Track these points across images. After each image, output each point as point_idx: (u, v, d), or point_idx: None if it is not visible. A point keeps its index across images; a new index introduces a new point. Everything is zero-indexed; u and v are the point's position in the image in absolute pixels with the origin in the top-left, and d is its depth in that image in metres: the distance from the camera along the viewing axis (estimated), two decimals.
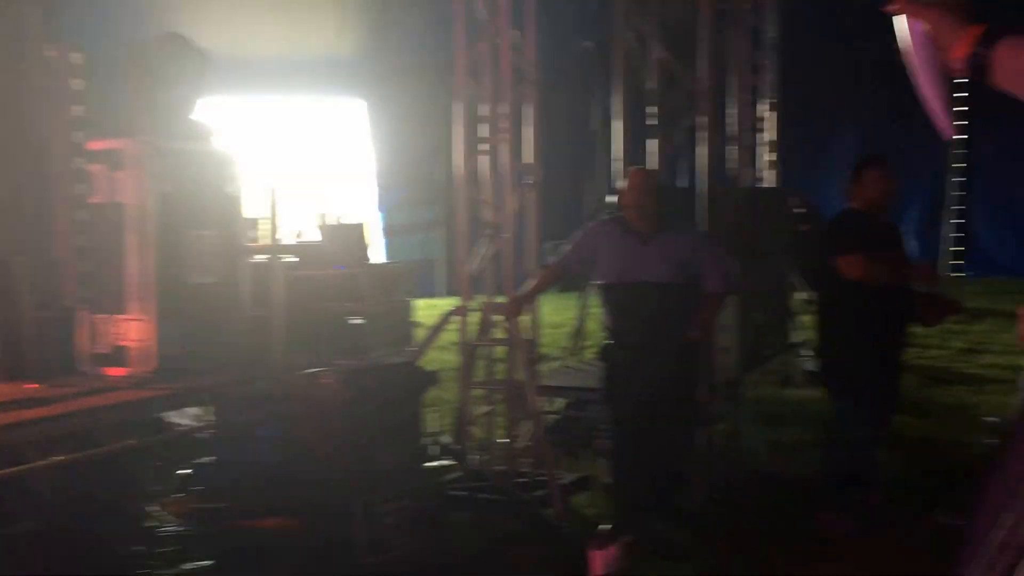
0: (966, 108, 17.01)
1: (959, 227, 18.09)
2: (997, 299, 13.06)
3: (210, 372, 4.44)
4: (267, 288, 4.68)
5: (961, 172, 18.11)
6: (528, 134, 5.90)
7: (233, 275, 4.62)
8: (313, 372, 4.61)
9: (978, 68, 1.37)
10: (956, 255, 15.15)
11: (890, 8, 1.46)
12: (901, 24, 1.48)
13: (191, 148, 4.59)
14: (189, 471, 5.00)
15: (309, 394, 4.44)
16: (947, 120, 1.53)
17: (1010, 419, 7.29)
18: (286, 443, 5.17)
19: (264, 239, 4.85)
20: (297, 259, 5.13)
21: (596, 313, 6.11)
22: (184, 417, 5.10)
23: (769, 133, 9.87)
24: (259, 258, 4.75)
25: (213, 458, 5.05)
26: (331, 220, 5.60)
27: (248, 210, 4.85)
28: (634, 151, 6.56)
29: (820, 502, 5.26)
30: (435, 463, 6.12)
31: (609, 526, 4.80)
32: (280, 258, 4.77)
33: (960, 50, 1.38)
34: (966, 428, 7.24)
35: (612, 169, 6.61)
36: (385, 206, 14.70)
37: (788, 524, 5.37)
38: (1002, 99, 1.43)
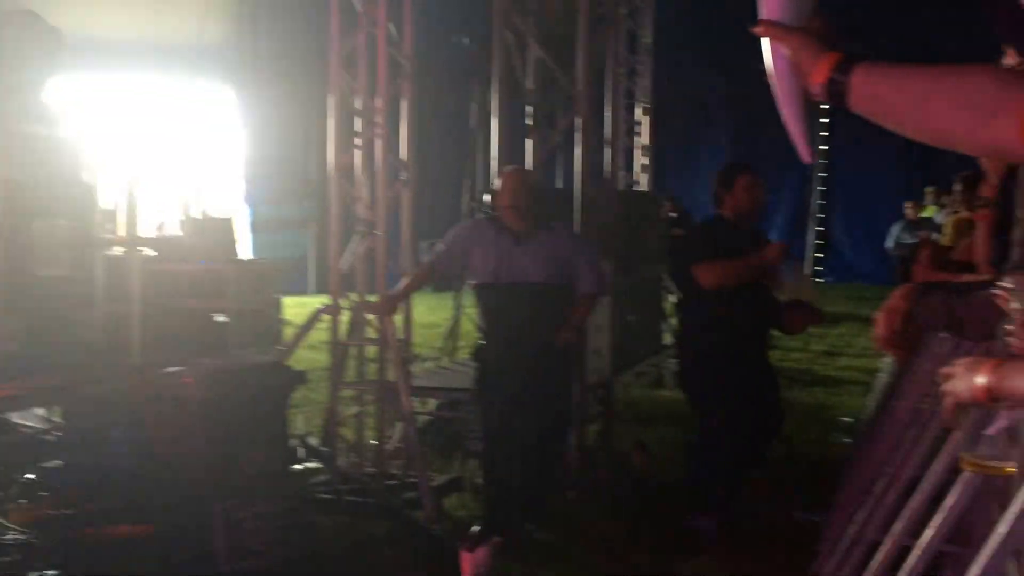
0: (828, 120, 17.73)
1: (820, 235, 18.79)
2: (855, 304, 13.61)
3: (58, 370, 4.17)
4: (123, 283, 4.43)
5: (823, 182, 18.82)
6: (404, 130, 5.78)
7: (86, 268, 4.37)
8: (173, 371, 4.40)
9: (836, 94, 1.42)
10: (817, 261, 15.71)
11: (755, 30, 1.49)
12: (766, 47, 1.51)
13: (41, 132, 4.32)
14: (34, 476, 4.70)
15: (168, 394, 4.22)
16: (806, 145, 1.58)
17: (864, 420, 7.58)
18: (142, 446, 4.92)
19: (122, 231, 4.60)
20: (156, 253, 4.89)
21: (470, 313, 6.04)
22: (29, 418, 4.80)
23: (644, 137, 9.99)
24: (116, 251, 4.50)
25: (60, 462, 4.76)
26: (195, 213, 5.36)
27: (105, 200, 4.60)
28: (511, 151, 6.52)
29: (687, 503, 5.27)
30: (302, 466, 5.96)
31: (480, 527, 4.74)
32: (138, 251, 4.53)
33: (819, 76, 1.43)
34: (824, 428, 7.46)
35: (489, 168, 6.55)
36: (253, 200, 14.28)
37: (657, 524, 5.41)
38: (860, 117, 1.47)
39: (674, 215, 13.50)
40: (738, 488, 5.34)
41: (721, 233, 5.17)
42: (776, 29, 1.47)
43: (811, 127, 1.57)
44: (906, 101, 1.39)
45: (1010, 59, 2.56)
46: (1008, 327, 1.83)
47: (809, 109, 1.54)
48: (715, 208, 5.28)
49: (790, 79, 1.50)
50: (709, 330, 5.09)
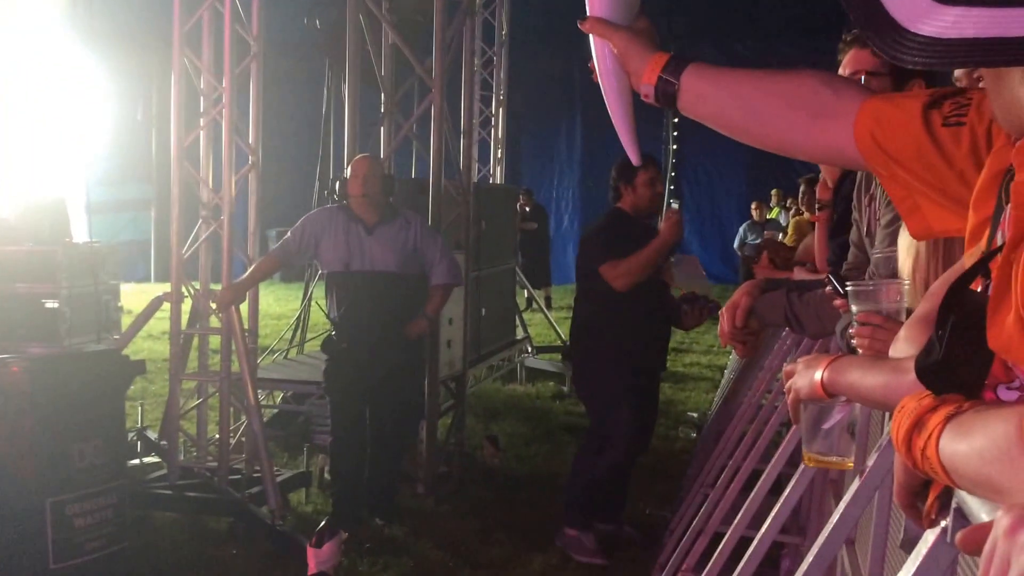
0: (676, 121, 18.24)
1: None
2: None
3: None
4: None
5: (672, 182, 19.32)
6: (252, 112, 5.60)
7: None
8: None
9: (666, 94, 1.40)
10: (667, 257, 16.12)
11: (583, 26, 1.47)
12: (593, 45, 1.49)
13: None
14: None
15: None
16: (634, 147, 1.56)
17: (709, 415, 7.81)
18: None
19: None
20: None
21: (320, 304, 5.91)
22: None
23: (499, 129, 10.02)
24: None
25: None
26: (25, 192, 5.06)
27: None
28: (364, 138, 6.42)
29: (565, 516, 5.00)
30: (139, 460, 5.72)
31: (326, 522, 4.65)
32: None
33: (648, 76, 1.41)
34: (671, 423, 7.66)
35: (342, 156, 6.43)
36: (90, 180, 13.63)
37: (505, 518, 5.44)
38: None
39: (527, 208, 13.65)
40: (624, 492, 5.20)
41: (623, 229, 4.95)
42: (603, 27, 1.45)
43: (634, 130, 1.56)
44: (738, 102, 1.39)
45: (847, 69, 2.66)
46: (849, 327, 1.89)
47: (633, 111, 1.53)
48: (612, 202, 5.07)
49: (618, 78, 1.47)
50: (610, 329, 4.87)
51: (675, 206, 5.15)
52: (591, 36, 1.48)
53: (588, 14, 1.47)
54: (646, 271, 4.81)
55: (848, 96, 1.29)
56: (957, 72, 1.57)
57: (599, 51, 1.48)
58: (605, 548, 4.92)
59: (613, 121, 1.53)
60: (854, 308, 1.80)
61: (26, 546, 3.98)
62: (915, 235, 1.26)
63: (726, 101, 1.40)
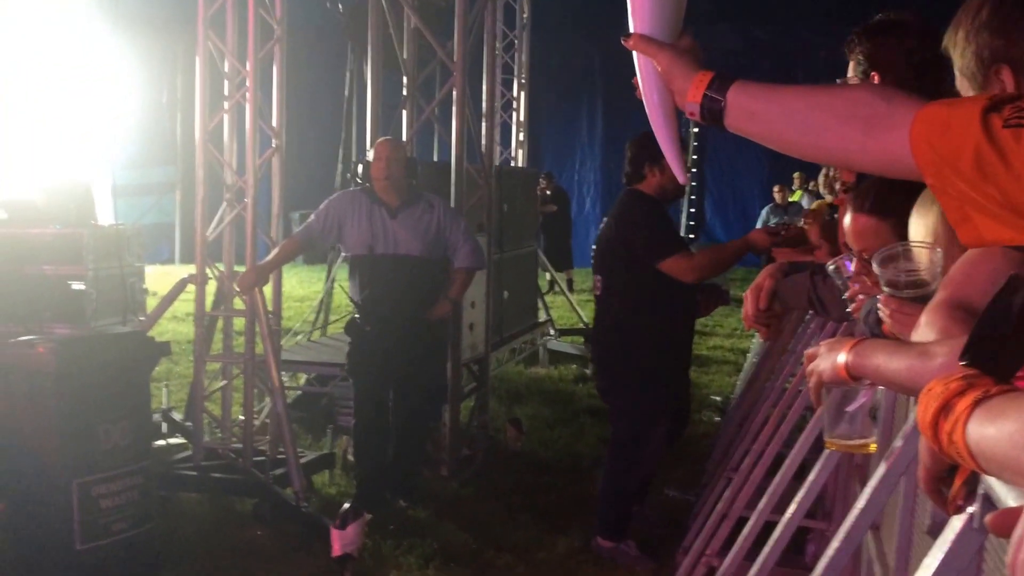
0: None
1: (692, 216, 19.20)
2: (726, 285, 13.91)
3: None
4: None
5: (695, 164, 19.21)
6: (275, 96, 5.61)
7: None
8: (26, 340, 4.17)
9: (712, 112, 1.40)
10: (689, 243, 16.04)
11: (626, 43, 1.48)
12: (637, 62, 1.50)
13: None
14: None
15: (20, 365, 4.00)
16: (680, 164, 1.58)
17: (732, 399, 7.75)
18: None
19: None
20: (7, 215, 4.64)
21: (343, 286, 5.93)
22: None
23: (520, 112, 9.99)
24: None
25: None
26: (51, 176, 5.10)
27: None
28: (386, 122, 6.41)
29: (601, 525, 4.75)
30: (165, 441, 5.76)
31: (350, 504, 4.67)
32: None
33: (694, 94, 1.41)
34: (695, 407, 7.63)
35: (365, 139, 6.42)
36: (114, 164, 13.71)
37: (528, 501, 5.45)
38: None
39: (547, 192, 13.61)
40: (648, 486, 5.00)
41: (664, 218, 4.63)
42: (647, 44, 1.45)
43: (680, 148, 1.57)
44: (788, 118, 1.38)
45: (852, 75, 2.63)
46: (878, 310, 1.88)
47: (678, 128, 1.53)
48: (628, 183, 4.64)
49: (661, 96, 1.48)
50: (646, 335, 4.51)
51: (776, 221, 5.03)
52: (635, 53, 1.48)
53: (632, 31, 1.47)
54: (718, 271, 4.61)
55: (903, 106, 1.28)
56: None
57: (643, 69, 1.48)
58: (646, 551, 4.68)
59: (658, 138, 1.53)
60: (880, 276, 1.80)
61: (53, 527, 4.02)
62: (966, 243, 1.25)
63: (776, 117, 1.39)
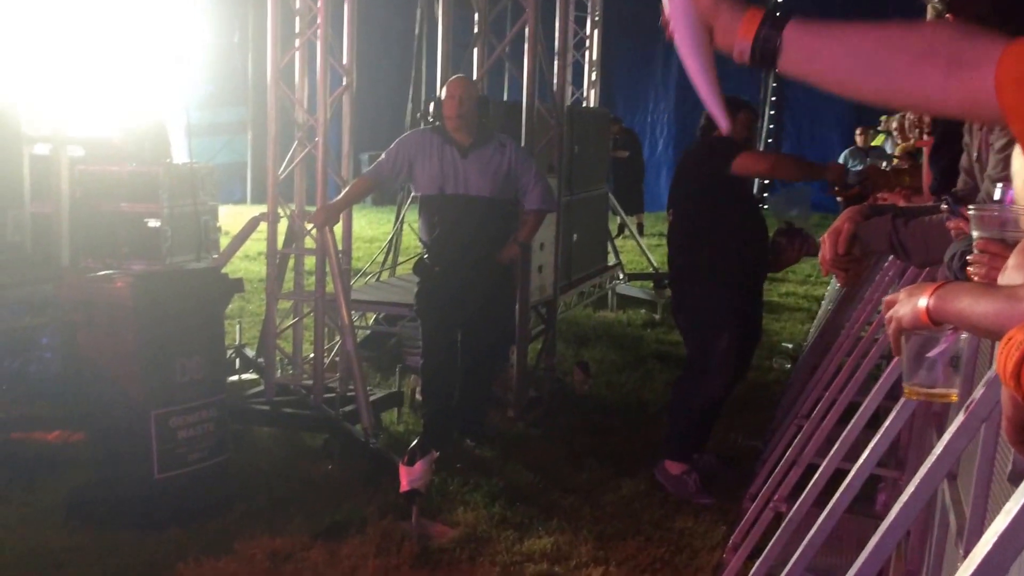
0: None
1: None
2: None
3: None
4: (50, 182, 4.26)
5: (773, 107, 18.80)
6: (346, 34, 5.58)
7: (12, 165, 4.18)
8: (104, 275, 4.26)
9: (766, 53, 1.28)
10: (764, 188, 15.72)
11: None
12: (667, 2, 1.36)
13: None
14: None
15: (100, 299, 4.10)
16: (723, 111, 1.42)
17: (806, 346, 7.62)
18: (72, 351, 4.80)
19: (48, 128, 4.40)
20: (84, 152, 4.71)
21: (412, 227, 5.93)
22: None
23: (593, 52, 9.82)
24: (40, 149, 4.31)
25: None
26: (127, 114, 5.17)
27: (30, 95, 4.40)
28: (456, 60, 6.36)
29: (664, 451, 4.86)
30: (238, 376, 5.88)
31: (418, 442, 4.72)
32: (65, 149, 4.34)
33: (745, 32, 1.28)
34: (766, 354, 7.56)
35: (435, 78, 6.38)
36: (188, 104, 13.80)
37: (594, 444, 5.46)
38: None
39: (617, 136, 13.43)
40: (713, 423, 5.07)
41: (733, 145, 4.70)
42: None
43: (721, 94, 1.45)
44: (856, 59, 1.27)
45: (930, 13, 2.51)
46: (958, 255, 1.81)
47: (716, 74, 1.41)
48: (702, 135, 4.90)
49: (697, 34, 1.35)
50: (710, 247, 4.71)
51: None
52: None
53: None
54: (788, 167, 4.89)
55: (987, 43, 1.18)
56: None
57: (676, 6, 1.35)
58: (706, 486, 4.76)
59: (694, 82, 1.39)
60: (974, 234, 1.71)
61: (133, 456, 4.13)
62: None
63: (840, 57, 1.27)
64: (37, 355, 5.26)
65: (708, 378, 4.78)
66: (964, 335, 1.51)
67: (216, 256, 5.60)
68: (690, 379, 4.91)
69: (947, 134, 3.27)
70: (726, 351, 4.73)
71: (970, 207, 1.72)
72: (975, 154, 2.60)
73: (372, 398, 5.33)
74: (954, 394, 1.58)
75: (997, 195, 2.04)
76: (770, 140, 18.60)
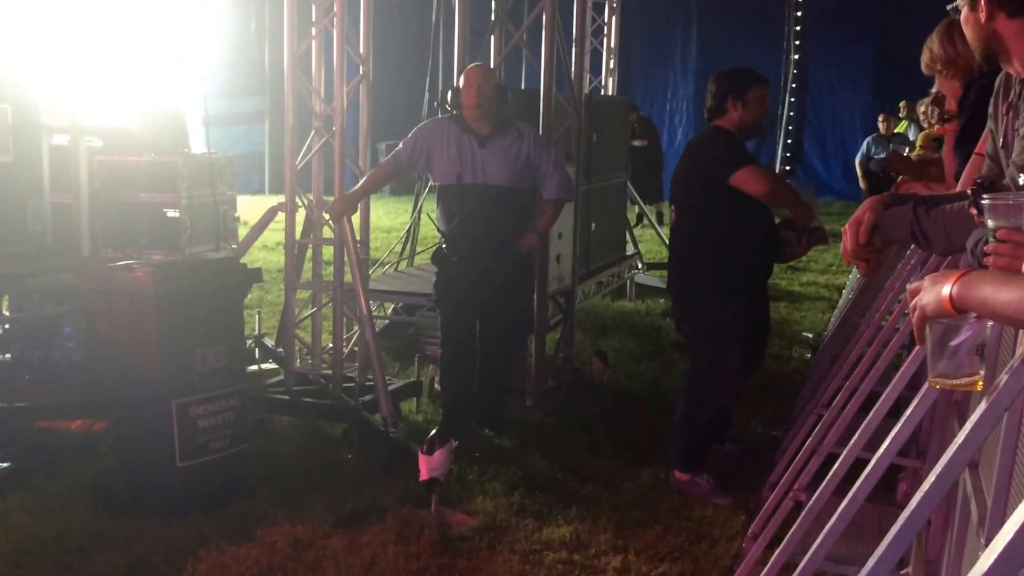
0: (799, 29, 17.54)
1: (789, 148, 18.71)
2: (823, 220, 13.59)
3: (4, 260, 4.04)
4: (69, 172, 4.27)
5: (793, 94, 18.66)
6: (362, 22, 5.58)
7: (32, 155, 4.20)
8: (125, 265, 4.29)
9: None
10: (786, 175, 15.64)
11: None
12: None
13: None
14: None
15: (120, 289, 4.12)
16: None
17: (825, 336, 7.59)
18: (93, 340, 4.84)
19: (66, 118, 4.42)
20: (102, 143, 4.72)
21: (430, 217, 5.92)
22: None
23: (611, 39, 9.78)
24: (59, 139, 4.32)
25: (7, 355, 4.67)
26: (145, 104, 5.18)
27: (50, 85, 4.41)
28: (473, 48, 6.34)
29: (674, 463, 4.74)
30: (257, 366, 5.90)
31: (437, 431, 4.74)
32: (83, 140, 4.36)
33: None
34: (786, 343, 7.53)
35: (452, 66, 6.37)
36: (205, 93, 13.86)
37: (612, 433, 5.46)
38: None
39: (635, 125, 13.38)
40: (727, 421, 5.01)
41: (741, 145, 4.56)
42: None
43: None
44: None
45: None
46: (982, 243, 1.79)
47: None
48: (711, 118, 4.64)
49: None
50: (715, 249, 4.52)
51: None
52: None
53: None
54: (787, 195, 4.57)
55: None
56: None
57: None
58: (722, 485, 4.67)
59: None
60: (991, 224, 1.68)
61: (154, 445, 4.16)
62: None
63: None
64: (60, 344, 5.30)
65: (715, 392, 4.65)
66: (988, 323, 1.49)
67: (235, 246, 5.61)
68: (696, 393, 4.71)
69: (973, 120, 3.23)
70: (736, 362, 4.59)
71: (984, 196, 1.70)
72: (1000, 140, 2.57)
73: (391, 387, 5.34)
74: (980, 382, 1.56)
75: (1022, 181, 2.02)
76: (790, 127, 18.47)
